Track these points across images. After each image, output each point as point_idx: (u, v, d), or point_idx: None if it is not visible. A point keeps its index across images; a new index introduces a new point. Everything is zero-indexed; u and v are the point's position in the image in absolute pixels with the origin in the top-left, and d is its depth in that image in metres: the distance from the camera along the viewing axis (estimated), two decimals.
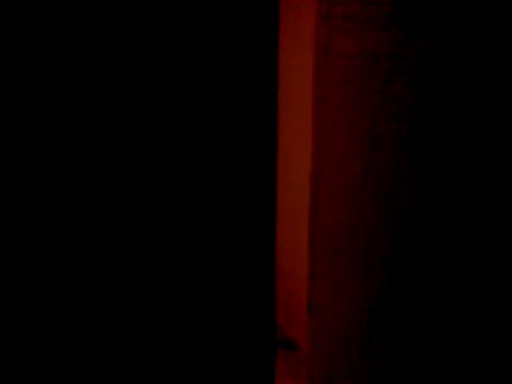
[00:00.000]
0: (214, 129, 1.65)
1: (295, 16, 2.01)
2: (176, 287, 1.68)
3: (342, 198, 1.83)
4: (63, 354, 1.62)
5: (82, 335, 1.62)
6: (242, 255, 1.76)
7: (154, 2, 1.54)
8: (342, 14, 1.71)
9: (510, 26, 1.77)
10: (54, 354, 1.62)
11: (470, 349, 1.86)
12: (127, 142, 1.57)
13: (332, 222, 1.86)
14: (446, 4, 1.75)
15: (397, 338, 1.81)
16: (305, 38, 1.76)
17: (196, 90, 1.61)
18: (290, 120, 2.09)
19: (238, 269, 1.75)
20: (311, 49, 1.73)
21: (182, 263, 1.67)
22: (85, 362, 1.63)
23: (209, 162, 1.65)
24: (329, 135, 1.84)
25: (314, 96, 1.81)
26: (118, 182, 1.59)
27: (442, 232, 1.81)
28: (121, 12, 1.51)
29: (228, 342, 1.79)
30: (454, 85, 1.78)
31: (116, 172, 1.58)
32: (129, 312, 1.64)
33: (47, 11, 1.47)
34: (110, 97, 1.55)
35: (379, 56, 1.72)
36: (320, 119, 1.82)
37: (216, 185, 1.66)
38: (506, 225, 1.83)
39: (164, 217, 1.63)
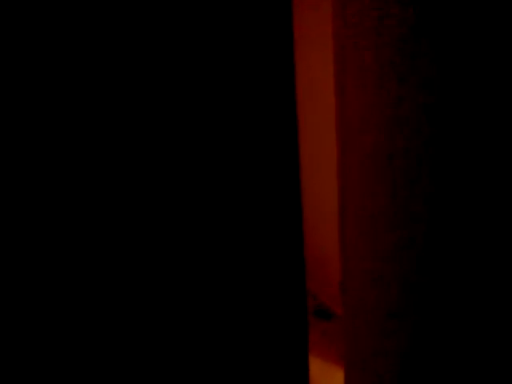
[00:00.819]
0: (236, 128, 1.67)
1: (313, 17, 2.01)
2: (205, 256, 1.70)
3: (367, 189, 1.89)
4: (65, 354, 1.60)
5: (87, 335, 1.61)
6: (270, 227, 1.77)
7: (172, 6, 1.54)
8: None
9: None
10: (54, 353, 1.60)
11: (489, 353, 1.88)
12: (151, 143, 1.59)
13: (360, 208, 1.92)
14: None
15: (427, 314, 1.85)
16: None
17: (212, 91, 1.62)
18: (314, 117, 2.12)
19: (267, 240, 1.76)
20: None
21: (220, 236, 1.69)
22: (88, 361, 1.62)
23: (234, 158, 1.67)
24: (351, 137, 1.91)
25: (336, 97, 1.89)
26: (137, 182, 1.60)
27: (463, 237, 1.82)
28: (133, 9, 1.50)
29: (260, 312, 1.79)
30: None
31: (135, 172, 1.59)
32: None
33: (47, 11, 1.44)
34: (125, 97, 1.53)
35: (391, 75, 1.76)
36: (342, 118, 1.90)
37: (245, 177, 1.68)
38: None
39: (198, 212, 1.66)
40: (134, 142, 1.62)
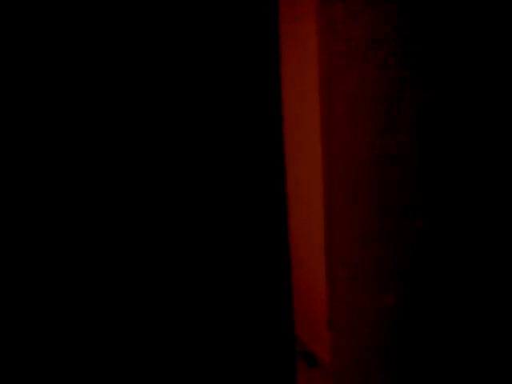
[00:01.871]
0: (222, 129, 1.65)
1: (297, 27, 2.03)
2: (191, 299, 1.69)
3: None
4: (66, 352, 1.63)
5: (86, 334, 1.63)
6: (257, 262, 1.76)
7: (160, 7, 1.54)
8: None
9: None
10: (54, 352, 1.62)
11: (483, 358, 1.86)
12: (128, 142, 1.58)
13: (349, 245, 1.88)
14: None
15: (413, 346, 1.82)
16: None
17: (199, 91, 1.62)
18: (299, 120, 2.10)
19: (254, 278, 1.75)
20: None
21: (195, 276, 1.68)
22: (87, 360, 1.64)
23: (215, 160, 1.65)
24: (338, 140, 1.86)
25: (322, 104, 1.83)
26: (120, 182, 1.59)
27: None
28: (124, 12, 1.51)
29: (247, 353, 1.79)
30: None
31: (117, 172, 1.58)
32: (132, 313, 1.65)
33: (48, 11, 1.47)
34: (108, 98, 1.55)
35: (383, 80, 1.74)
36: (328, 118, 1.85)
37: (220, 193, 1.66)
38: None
39: (169, 221, 1.63)
40: (114, 138, 1.60)
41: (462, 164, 1.81)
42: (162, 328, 1.64)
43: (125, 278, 1.60)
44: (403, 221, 1.80)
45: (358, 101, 1.76)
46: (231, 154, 1.65)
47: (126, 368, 1.63)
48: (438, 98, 1.78)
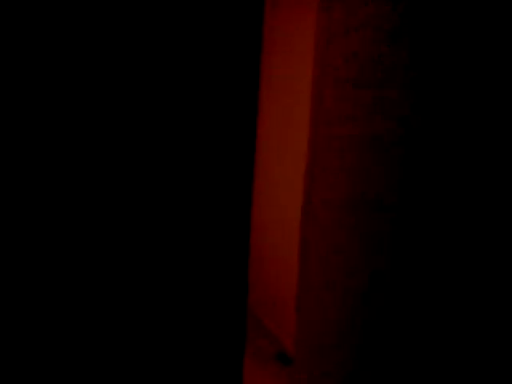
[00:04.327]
0: (192, 129, 1.64)
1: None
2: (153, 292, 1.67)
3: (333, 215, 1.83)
4: (58, 350, 1.61)
5: (70, 331, 1.61)
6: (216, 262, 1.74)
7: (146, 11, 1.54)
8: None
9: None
10: (51, 351, 1.60)
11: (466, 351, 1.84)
12: (104, 140, 1.57)
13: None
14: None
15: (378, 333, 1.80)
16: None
17: (174, 90, 1.61)
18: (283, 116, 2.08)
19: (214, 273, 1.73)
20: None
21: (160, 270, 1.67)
22: (72, 355, 1.62)
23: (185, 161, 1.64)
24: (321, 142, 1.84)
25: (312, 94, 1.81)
26: (93, 180, 1.58)
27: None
28: (103, 13, 1.51)
29: (199, 349, 1.77)
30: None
31: (90, 170, 1.57)
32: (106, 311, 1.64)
33: (47, 11, 1.47)
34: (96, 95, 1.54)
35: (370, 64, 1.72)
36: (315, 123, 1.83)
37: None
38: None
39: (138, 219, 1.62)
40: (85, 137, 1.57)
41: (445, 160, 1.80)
42: (125, 310, 1.62)
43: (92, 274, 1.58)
44: (378, 211, 1.77)
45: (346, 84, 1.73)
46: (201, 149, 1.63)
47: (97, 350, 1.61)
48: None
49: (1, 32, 1.43)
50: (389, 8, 1.71)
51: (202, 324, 1.72)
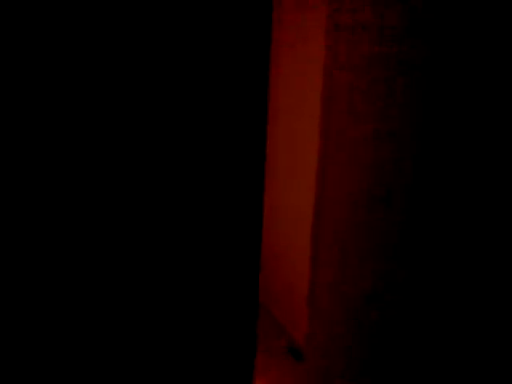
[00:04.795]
0: (201, 130, 1.64)
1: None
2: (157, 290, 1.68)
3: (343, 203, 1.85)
4: (55, 349, 1.62)
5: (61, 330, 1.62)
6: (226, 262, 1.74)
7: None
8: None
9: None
10: (49, 351, 1.62)
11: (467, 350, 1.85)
12: (103, 141, 1.56)
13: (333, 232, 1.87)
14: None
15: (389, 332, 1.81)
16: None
17: (180, 91, 1.60)
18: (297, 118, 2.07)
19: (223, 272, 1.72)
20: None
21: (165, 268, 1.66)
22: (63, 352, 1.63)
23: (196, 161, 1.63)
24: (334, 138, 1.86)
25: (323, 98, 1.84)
26: (89, 181, 1.58)
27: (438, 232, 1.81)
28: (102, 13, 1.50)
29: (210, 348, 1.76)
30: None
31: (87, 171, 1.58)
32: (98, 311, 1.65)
33: (47, 11, 1.46)
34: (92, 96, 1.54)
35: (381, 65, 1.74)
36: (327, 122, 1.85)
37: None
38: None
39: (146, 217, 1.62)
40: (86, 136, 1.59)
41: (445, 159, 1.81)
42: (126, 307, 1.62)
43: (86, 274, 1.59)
44: (388, 207, 1.79)
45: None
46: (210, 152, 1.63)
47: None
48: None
49: (1, 32, 1.44)
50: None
51: (212, 322, 1.72)
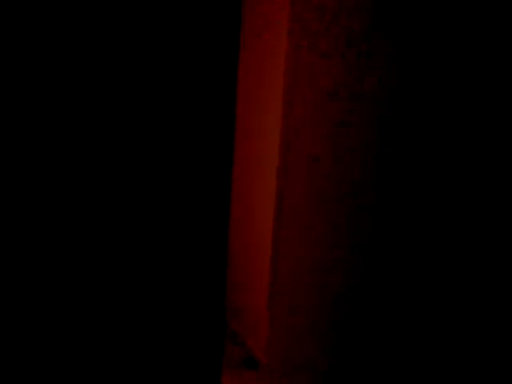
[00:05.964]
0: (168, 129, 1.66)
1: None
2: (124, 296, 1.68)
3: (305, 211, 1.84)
4: (53, 346, 1.63)
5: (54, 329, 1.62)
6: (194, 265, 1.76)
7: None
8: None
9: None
10: (47, 350, 1.62)
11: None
12: (80, 140, 1.57)
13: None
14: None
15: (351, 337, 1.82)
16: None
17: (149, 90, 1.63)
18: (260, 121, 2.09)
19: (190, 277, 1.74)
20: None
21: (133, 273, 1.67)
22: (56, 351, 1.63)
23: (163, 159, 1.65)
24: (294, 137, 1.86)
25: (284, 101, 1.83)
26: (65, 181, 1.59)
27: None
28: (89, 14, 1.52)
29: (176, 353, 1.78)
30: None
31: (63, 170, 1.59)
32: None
33: (47, 11, 1.47)
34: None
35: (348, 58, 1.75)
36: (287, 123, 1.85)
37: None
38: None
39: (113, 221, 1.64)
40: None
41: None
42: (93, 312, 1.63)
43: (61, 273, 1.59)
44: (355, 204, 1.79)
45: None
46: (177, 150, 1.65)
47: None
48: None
49: (0, 31, 1.45)
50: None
51: (179, 327, 1.73)
